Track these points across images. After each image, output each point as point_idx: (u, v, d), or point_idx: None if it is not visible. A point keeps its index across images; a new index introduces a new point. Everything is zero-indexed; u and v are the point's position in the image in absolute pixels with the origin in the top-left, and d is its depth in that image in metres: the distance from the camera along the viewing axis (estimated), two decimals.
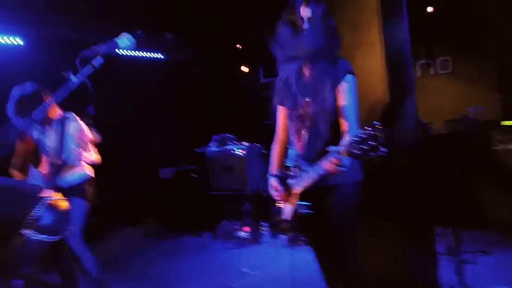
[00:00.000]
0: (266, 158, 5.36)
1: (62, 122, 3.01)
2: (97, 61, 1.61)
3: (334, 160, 1.75)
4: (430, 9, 5.02)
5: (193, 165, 5.99)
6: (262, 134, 5.27)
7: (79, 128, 3.04)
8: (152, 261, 4.60)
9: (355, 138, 1.63)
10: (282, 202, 2.19)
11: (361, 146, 1.61)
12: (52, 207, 2.31)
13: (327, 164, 1.80)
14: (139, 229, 6.12)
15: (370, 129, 1.61)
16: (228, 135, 5.60)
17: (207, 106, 7.08)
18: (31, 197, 2.54)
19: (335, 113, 1.96)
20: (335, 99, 1.95)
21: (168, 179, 6.10)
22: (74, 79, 1.54)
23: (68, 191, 2.93)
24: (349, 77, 1.97)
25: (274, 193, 2.20)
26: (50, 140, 3.07)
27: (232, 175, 5.20)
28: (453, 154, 3.11)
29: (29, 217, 2.30)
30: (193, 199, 5.71)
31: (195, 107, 7.05)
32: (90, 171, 3.28)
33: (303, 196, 2.04)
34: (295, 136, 2.13)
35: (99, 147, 6.24)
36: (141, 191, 6.89)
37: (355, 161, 1.99)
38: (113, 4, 5.04)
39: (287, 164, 2.22)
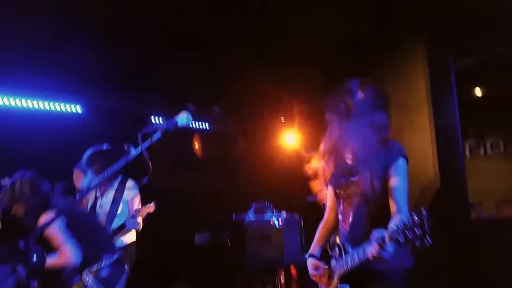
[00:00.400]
0: (303, 230, 5.24)
1: (120, 187, 3.17)
2: (156, 136, 1.74)
3: (377, 245, 1.68)
4: (483, 92, 4.96)
5: (230, 232, 5.93)
6: (302, 206, 5.22)
7: (135, 196, 3.18)
8: None
9: (401, 225, 1.58)
10: (322, 284, 2.09)
11: (406, 233, 1.56)
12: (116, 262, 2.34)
13: (369, 249, 1.72)
14: None
15: (416, 216, 1.55)
16: (267, 203, 5.56)
17: (248, 174, 7.13)
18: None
19: (384, 195, 1.91)
20: (385, 182, 1.91)
21: (204, 245, 6.04)
22: (133, 151, 1.67)
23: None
24: (401, 160, 1.94)
25: (312, 274, 2.12)
26: (105, 202, 3.22)
27: (269, 245, 5.07)
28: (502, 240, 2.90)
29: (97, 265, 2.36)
30: (226, 268, 5.58)
31: (236, 175, 7.12)
32: (133, 236, 3.34)
33: (346, 279, 1.95)
34: (341, 216, 2.08)
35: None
36: (174, 256, 6.84)
37: (405, 246, 1.93)
38: (165, 79, 5.40)
39: (330, 243, 2.16)
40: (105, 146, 3.29)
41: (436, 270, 2.63)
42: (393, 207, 1.89)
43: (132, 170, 1.86)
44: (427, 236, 1.52)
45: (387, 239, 1.65)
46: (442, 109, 2.68)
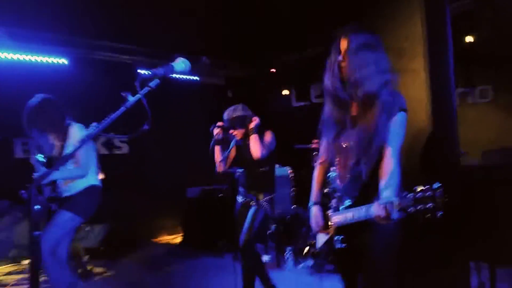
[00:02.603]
0: (294, 181, 5.33)
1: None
2: (154, 83, 1.72)
3: (386, 210, 1.69)
4: (469, 38, 4.95)
5: (221, 185, 6.01)
6: (291, 157, 5.29)
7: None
8: (174, 279, 4.57)
9: (414, 196, 1.60)
10: (320, 232, 2.14)
11: (419, 205, 1.59)
12: None
13: (377, 211, 1.73)
14: (162, 247, 6.15)
15: (431, 189, 1.58)
16: None
17: None
18: None
19: (381, 149, 1.90)
20: (383, 136, 1.88)
21: (195, 198, 6.13)
22: (132, 99, 1.63)
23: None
24: (400, 114, 1.90)
25: (314, 223, 2.15)
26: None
27: None
28: (491, 187, 2.98)
29: None
30: (218, 220, 5.69)
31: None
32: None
33: (340, 229, 1.99)
34: (337, 167, 2.07)
35: (133, 162, 6.41)
36: (167, 209, 6.95)
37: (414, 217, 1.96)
38: (153, 29, 5.25)
39: (327, 191, 2.17)
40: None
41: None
42: (384, 161, 1.88)
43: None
44: (438, 211, 1.55)
45: (395, 206, 1.66)
46: (437, 55, 2.64)
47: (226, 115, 3.49)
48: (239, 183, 3.56)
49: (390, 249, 1.94)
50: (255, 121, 3.44)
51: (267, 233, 5.03)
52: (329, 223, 2.06)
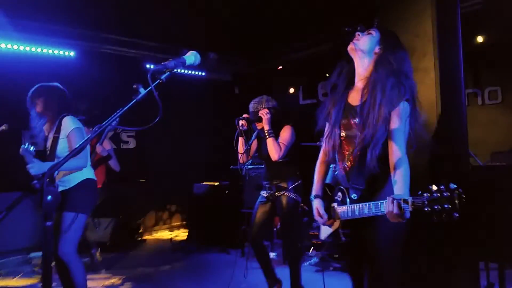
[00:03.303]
0: (300, 179, 5.31)
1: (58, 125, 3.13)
2: (166, 76, 1.72)
3: (400, 208, 1.65)
4: (480, 39, 4.92)
5: (228, 182, 6.02)
6: (298, 155, 5.26)
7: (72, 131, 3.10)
8: (179, 275, 4.59)
9: (430, 196, 1.56)
10: (324, 224, 2.13)
11: (435, 205, 1.54)
12: None
13: (391, 208, 1.68)
14: (168, 242, 6.17)
15: (448, 190, 1.54)
16: None
17: None
18: None
19: (385, 138, 1.89)
20: (388, 125, 1.88)
21: (201, 194, 6.15)
22: (143, 91, 1.63)
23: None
24: (402, 104, 1.88)
25: (317, 216, 2.14)
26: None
27: None
28: (500, 187, 2.96)
29: None
30: (224, 216, 5.70)
31: (233, 124, 7.13)
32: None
33: (346, 222, 1.99)
34: (340, 158, 2.05)
35: (139, 157, 6.42)
36: (173, 204, 6.98)
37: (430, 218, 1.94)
38: (160, 24, 5.26)
39: (330, 184, 2.17)
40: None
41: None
42: (390, 148, 1.87)
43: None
44: (456, 212, 1.51)
45: (410, 205, 1.62)
46: (447, 54, 2.63)
47: (251, 107, 3.48)
48: (262, 178, 3.55)
49: (395, 244, 1.93)
50: (266, 117, 3.37)
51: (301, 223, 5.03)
52: (334, 217, 2.05)
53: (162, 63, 1.74)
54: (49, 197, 1.60)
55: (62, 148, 3.05)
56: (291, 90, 7.01)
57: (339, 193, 2.05)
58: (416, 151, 2.27)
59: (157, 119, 1.68)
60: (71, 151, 2.93)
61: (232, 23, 5.34)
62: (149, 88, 1.64)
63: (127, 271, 4.68)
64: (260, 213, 3.43)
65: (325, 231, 2.12)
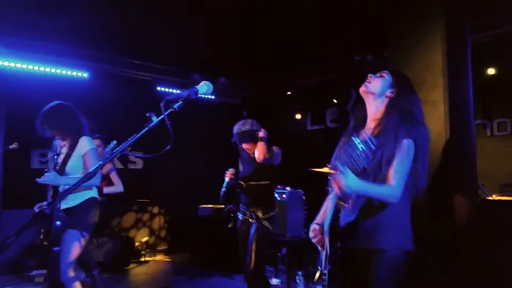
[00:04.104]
0: (307, 204, 5.29)
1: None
2: (179, 105, 1.76)
3: (340, 176, 1.72)
4: (491, 71, 4.95)
5: (233, 205, 5.98)
6: (305, 180, 5.25)
7: (88, 151, 3.13)
8: None
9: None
10: (319, 245, 2.11)
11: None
12: None
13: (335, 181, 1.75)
14: (168, 264, 6.11)
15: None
16: None
17: None
18: None
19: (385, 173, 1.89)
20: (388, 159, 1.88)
21: (206, 216, 6.12)
22: (155, 119, 1.66)
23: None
24: (405, 141, 1.88)
25: (312, 236, 2.13)
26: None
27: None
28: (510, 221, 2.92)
29: None
30: (228, 239, 5.65)
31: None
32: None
33: (332, 236, 1.96)
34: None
35: (146, 178, 6.41)
36: (178, 226, 6.94)
37: (407, 228, 1.94)
38: (173, 48, 5.36)
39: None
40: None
41: (440, 252, 2.63)
42: (388, 180, 1.86)
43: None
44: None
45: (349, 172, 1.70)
46: (457, 86, 2.64)
47: (235, 129, 3.52)
48: (240, 200, 3.54)
49: (394, 280, 1.89)
50: (262, 132, 3.46)
51: (274, 252, 4.97)
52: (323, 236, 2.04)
53: (176, 92, 1.79)
54: (58, 223, 1.61)
55: (74, 166, 3.09)
56: (298, 116, 7.06)
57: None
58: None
59: (167, 148, 1.70)
60: (85, 174, 2.99)
61: (242, 48, 5.43)
62: (161, 116, 1.68)
63: None
64: (244, 238, 3.42)
65: (322, 260, 2.07)
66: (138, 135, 1.69)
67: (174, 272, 5.71)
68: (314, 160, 4.74)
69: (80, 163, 3.09)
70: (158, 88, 6.32)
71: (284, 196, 5.06)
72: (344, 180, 1.70)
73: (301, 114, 7.07)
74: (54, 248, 1.60)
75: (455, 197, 2.66)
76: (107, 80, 5.92)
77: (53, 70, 5.39)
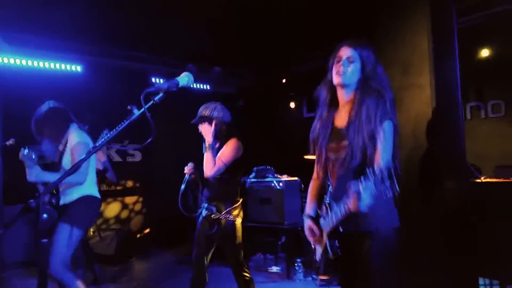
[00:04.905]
0: (304, 193, 5.32)
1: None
2: (159, 97, 1.77)
3: (354, 197, 1.71)
4: (484, 52, 4.92)
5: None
6: (302, 168, 5.27)
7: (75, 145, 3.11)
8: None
9: (371, 175, 1.62)
10: (316, 243, 2.15)
11: (377, 184, 1.60)
12: None
13: (350, 200, 1.75)
14: (170, 255, 6.18)
15: (384, 169, 1.60)
16: (268, 167, 5.61)
17: (249, 138, 7.18)
18: None
19: (371, 156, 1.90)
20: (372, 145, 1.90)
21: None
22: (137, 112, 1.68)
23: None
24: (386, 124, 1.90)
25: (308, 235, 2.17)
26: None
27: (270, 208, 5.17)
28: (504, 202, 2.94)
29: None
30: None
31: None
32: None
33: (334, 237, 1.99)
34: (330, 177, 2.11)
35: (145, 170, 6.41)
36: (178, 217, 6.98)
37: (392, 206, 1.99)
38: (167, 38, 5.34)
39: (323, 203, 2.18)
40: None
41: (426, 233, 2.66)
42: (377, 159, 1.88)
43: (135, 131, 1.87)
44: (396, 186, 1.59)
45: (361, 191, 1.66)
46: (443, 69, 2.64)
47: (199, 111, 3.24)
48: (203, 195, 3.29)
49: (387, 257, 1.94)
50: (207, 128, 3.14)
51: (274, 240, 4.97)
52: (322, 232, 2.07)
53: (155, 85, 1.80)
54: (44, 215, 1.65)
55: (67, 161, 3.09)
56: (292, 105, 7.07)
57: (323, 208, 2.09)
58: (409, 169, 2.27)
59: (148, 140, 1.72)
60: (71, 167, 2.99)
61: (237, 37, 5.41)
62: (142, 109, 1.69)
63: (131, 284, 4.70)
64: (203, 234, 3.18)
65: (319, 252, 2.13)
66: (119, 129, 1.71)
67: (177, 262, 5.77)
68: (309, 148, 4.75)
69: (69, 158, 3.08)
70: (153, 80, 6.30)
71: (281, 184, 5.08)
72: (361, 203, 1.69)
73: (296, 102, 7.07)
74: (42, 240, 1.64)
75: (445, 180, 2.67)
76: (101, 72, 5.91)
77: (46, 65, 5.39)
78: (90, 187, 3.18)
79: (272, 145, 6.81)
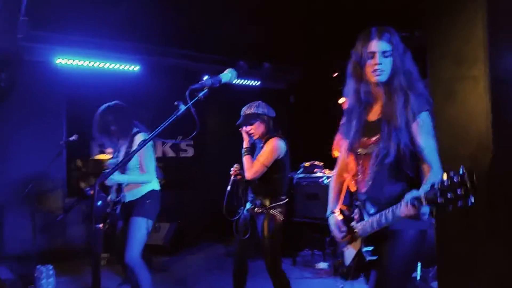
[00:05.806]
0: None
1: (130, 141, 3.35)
2: (203, 93, 1.83)
3: (413, 207, 1.59)
4: None
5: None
6: None
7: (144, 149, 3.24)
8: (229, 280, 4.68)
9: (441, 185, 1.46)
10: (344, 244, 2.08)
11: (446, 194, 1.44)
12: None
13: (405, 211, 1.63)
14: (221, 248, 6.31)
15: (455, 175, 1.43)
16: (316, 163, 5.56)
17: (299, 134, 7.14)
18: None
19: (408, 154, 1.83)
20: (409, 139, 1.81)
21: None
22: (183, 107, 1.75)
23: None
24: (423, 114, 1.82)
25: (336, 233, 2.09)
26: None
27: (317, 203, 5.12)
28: None
29: None
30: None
31: (286, 133, 7.18)
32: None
33: (368, 239, 1.93)
34: (358, 174, 2.01)
35: (197, 165, 6.53)
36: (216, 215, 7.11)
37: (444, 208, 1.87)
38: (220, 38, 5.45)
39: (348, 204, 2.13)
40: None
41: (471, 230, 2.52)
42: (424, 167, 1.79)
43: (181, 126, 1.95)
44: (471, 196, 1.39)
45: (423, 201, 1.54)
46: (499, 61, 2.47)
47: (242, 111, 3.31)
48: (248, 194, 3.31)
49: (408, 258, 1.89)
50: (245, 134, 3.26)
51: (322, 237, 4.91)
52: (354, 235, 1.98)
53: (200, 82, 1.85)
54: (99, 202, 1.78)
55: (134, 163, 3.32)
56: (341, 101, 6.91)
57: (356, 210, 2.00)
58: (465, 162, 2.15)
59: (194, 134, 1.79)
60: (141, 170, 3.27)
61: (288, 32, 5.40)
62: (188, 105, 1.76)
63: (181, 274, 4.88)
64: (245, 228, 3.25)
65: (348, 256, 2.04)
66: (166, 124, 1.79)
67: (227, 255, 5.89)
68: None
69: (137, 160, 3.31)
70: (204, 78, 6.44)
71: (328, 180, 5.01)
72: (422, 214, 1.62)
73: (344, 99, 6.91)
74: (96, 225, 1.77)
75: (505, 179, 2.50)
76: (156, 71, 6.15)
77: (106, 65, 5.68)
78: (154, 183, 3.42)
79: (322, 140, 6.72)
